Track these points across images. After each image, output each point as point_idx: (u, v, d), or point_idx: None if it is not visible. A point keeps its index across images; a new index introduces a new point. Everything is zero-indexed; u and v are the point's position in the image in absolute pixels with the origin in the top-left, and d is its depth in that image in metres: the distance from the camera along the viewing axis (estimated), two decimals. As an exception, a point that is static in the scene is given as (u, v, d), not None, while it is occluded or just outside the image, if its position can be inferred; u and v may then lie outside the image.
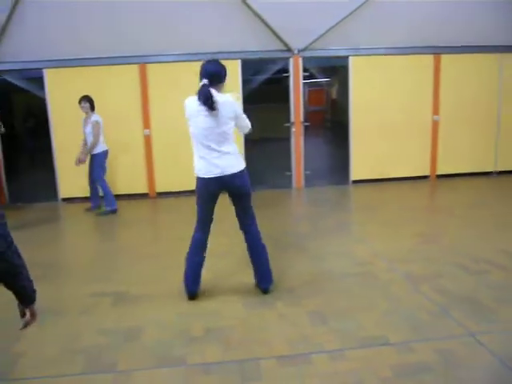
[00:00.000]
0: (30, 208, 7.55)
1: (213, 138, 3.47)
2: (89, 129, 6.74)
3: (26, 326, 1.88)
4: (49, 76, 7.70)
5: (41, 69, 7.67)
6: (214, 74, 3.48)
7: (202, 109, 3.41)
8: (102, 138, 6.77)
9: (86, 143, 6.85)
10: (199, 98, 3.42)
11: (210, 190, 3.57)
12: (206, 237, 3.75)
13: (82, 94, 6.86)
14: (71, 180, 7.78)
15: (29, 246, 5.52)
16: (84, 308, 3.66)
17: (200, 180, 3.56)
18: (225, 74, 3.57)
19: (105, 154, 6.84)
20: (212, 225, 3.75)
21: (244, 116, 3.65)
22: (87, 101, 6.74)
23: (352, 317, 3.32)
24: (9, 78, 8.02)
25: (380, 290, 3.78)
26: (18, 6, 7.10)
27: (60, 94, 7.67)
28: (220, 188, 3.58)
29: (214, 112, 3.40)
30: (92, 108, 6.76)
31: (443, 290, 3.69)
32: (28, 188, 8.55)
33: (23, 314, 1.87)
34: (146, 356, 2.91)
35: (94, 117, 6.75)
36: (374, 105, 8.16)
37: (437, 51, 8.11)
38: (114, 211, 6.86)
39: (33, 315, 1.88)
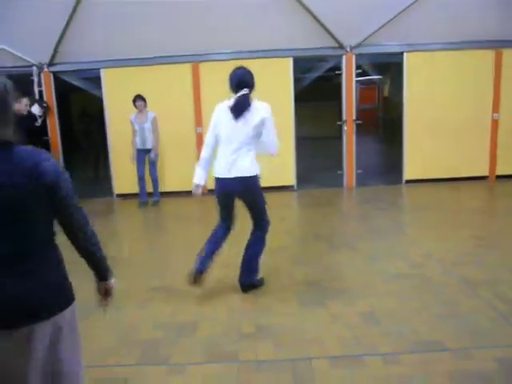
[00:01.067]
0: (86, 203, 7.87)
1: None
2: (148, 125, 7.07)
3: (105, 303, 1.95)
4: (106, 76, 8.00)
5: (98, 69, 7.98)
6: (250, 82, 3.66)
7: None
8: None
9: (140, 140, 7.17)
10: (236, 107, 3.58)
11: None
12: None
13: (136, 93, 7.12)
14: (125, 177, 8.07)
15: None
16: (141, 302, 3.78)
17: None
18: (252, 79, 3.70)
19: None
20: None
21: (272, 132, 3.67)
22: (142, 99, 7.04)
23: (405, 319, 3.24)
24: (67, 78, 8.36)
25: (434, 293, 3.67)
26: (77, 8, 7.41)
27: (116, 93, 7.95)
28: None
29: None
30: (146, 106, 7.05)
31: (502, 297, 3.53)
32: (84, 184, 8.92)
33: (103, 292, 1.93)
34: (199, 350, 2.97)
35: (152, 113, 7.08)
36: (428, 102, 7.91)
37: (498, 45, 7.75)
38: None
39: (110, 291, 1.93)
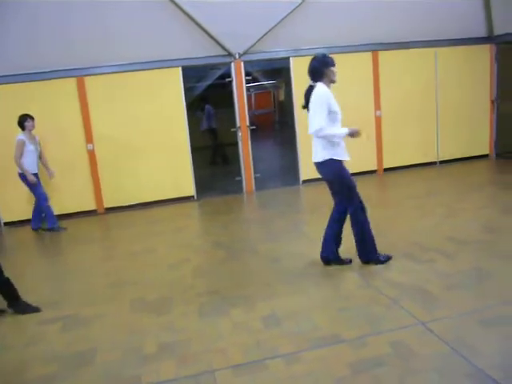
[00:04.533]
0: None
1: None
2: (38, 147, 6.78)
3: None
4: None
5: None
6: (312, 71, 4.04)
7: None
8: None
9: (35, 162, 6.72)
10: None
11: None
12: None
13: (20, 113, 6.65)
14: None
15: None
16: (31, 338, 3.47)
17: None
18: (322, 67, 3.97)
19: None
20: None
21: (314, 114, 4.02)
22: (33, 118, 6.67)
23: (306, 318, 3.32)
24: None
25: (333, 288, 3.81)
26: None
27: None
28: None
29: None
30: (22, 128, 6.60)
31: (391, 282, 3.76)
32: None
33: None
34: (98, 379, 2.79)
35: (36, 136, 6.79)
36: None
37: (374, 48, 8.34)
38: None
39: None
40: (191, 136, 8.02)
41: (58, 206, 7.59)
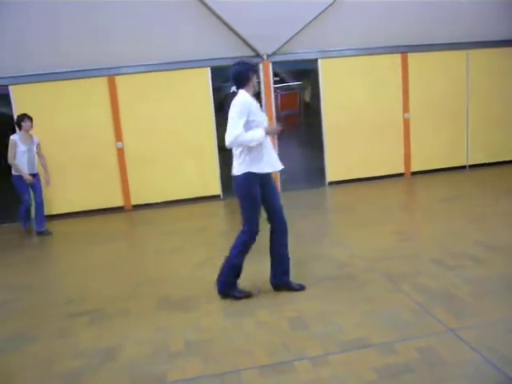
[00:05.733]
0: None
1: None
2: (35, 148, 6.70)
3: None
4: (15, 93, 7.52)
5: (6, 86, 7.50)
6: (236, 76, 3.63)
7: None
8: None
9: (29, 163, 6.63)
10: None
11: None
12: None
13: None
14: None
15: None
16: (60, 330, 3.54)
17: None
18: (248, 71, 3.63)
19: None
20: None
21: (231, 122, 3.52)
22: (31, 119, 6.62)
23: (332, 320, 3.28)
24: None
25: (359, 291, 3.76)
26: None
27: (28, 111, 7.47)
28: None
29: None
30: (19, 127, 6.59)
31: (421, 288, 3.69)
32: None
33: None
34: (125, 375, 2.82)
35: (36, 138, 6.75)
36: (344, 106, 8.23)
37: (403, 50, 8.23)
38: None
39: None
40: (218, 136, 8.07)
41: (86, 203, 7.78)
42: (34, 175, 6.68)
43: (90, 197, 7.83)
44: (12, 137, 6.47)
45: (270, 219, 3.86)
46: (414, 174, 8.63)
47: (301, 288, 3.86)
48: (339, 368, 2.70)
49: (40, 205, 6.78)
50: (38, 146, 6.76)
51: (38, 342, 3.38)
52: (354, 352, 2.86)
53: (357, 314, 3.36)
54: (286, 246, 3.85)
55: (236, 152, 3.64)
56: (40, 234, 6.79)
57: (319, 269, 4.36)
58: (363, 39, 8.06)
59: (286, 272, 3.86)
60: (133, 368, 2.90)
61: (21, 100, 7.52)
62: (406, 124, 8.47)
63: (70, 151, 7.66)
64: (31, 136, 6.68)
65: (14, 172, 6.54)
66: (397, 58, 8.26)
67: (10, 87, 7.52)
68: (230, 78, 3.66)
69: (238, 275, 3.79)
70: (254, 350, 2.97)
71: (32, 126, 6.62)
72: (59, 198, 7.74)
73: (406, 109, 8.41)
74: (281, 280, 3.85)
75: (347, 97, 8.22)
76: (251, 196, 3.68)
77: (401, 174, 8.61)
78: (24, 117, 6.55)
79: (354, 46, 8.09)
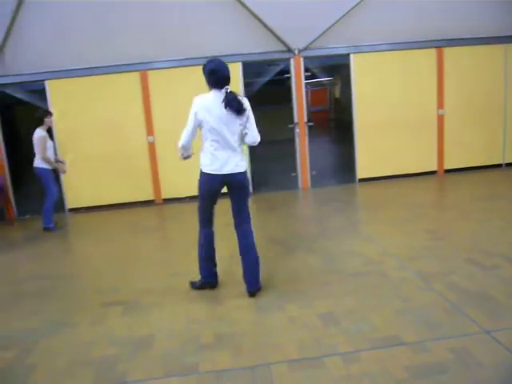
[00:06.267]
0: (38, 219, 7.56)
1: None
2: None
3: None
4: (51, 87, 7.73)
5: (42, 80, 7.70)
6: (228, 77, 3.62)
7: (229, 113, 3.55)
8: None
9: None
10: (230, 105, 3.52)
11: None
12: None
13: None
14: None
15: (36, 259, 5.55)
16: (95, 319, 3.64)
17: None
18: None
19: None
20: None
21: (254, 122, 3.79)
22: (52, 115, 6.76)
23: (364, 317, 3.26)
24: (10, 92, 8.10)
25: (391, 289, 3.72)
26: (16, 18, 7.17)
27: (63, 105, 7.70)
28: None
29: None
30: (41, 123, 6.65)
31: (455, 287, 3.62)
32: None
33: None
34: (157, 365, 2.88)
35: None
36: (376, 102, 8.12)
37: (438, 44, 8.04)
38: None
39: None
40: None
41: (118, 196, 7.94)
42: (34, 168, 6.67)
43: (121, 190, 7.98)
44: (41, 133, 6.51)
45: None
46: (447, 171, 8.45)
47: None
48: (370, 365, 2.68)
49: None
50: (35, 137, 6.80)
51: (74, 329, 3.49)
52: (386, 350, 2.83)
53: (388, 312, 3.32)
54: None
55: (239, 149, 3.71)
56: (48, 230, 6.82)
57: (350, 265, 4.33)
58: (397, 33, 7.91)
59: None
60: (165, 358, 2.95)
61: (56, 95, 7.73)
62: (440, 120, 8.29)
63: (102, 145, 7.82)
64: (36, 131, 6.67)
65: (41, 165, 6.55)
66: (432, 53, 8.07)
67: (46, 82, 7.72)
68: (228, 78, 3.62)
69: None
70: (284, 344, 2.98)
71: (52, 122, 6.82)
72: (90, 190, 7.93)
73: (440, 105, 8.23)
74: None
75: (380, 92, 8.10)
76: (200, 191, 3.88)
77: (433, 172, 8.44)
78: (47, 113, 6.67)
79: (388, 40, 7.96)
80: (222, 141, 3.61)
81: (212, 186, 3.73)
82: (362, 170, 8.33)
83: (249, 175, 8.16)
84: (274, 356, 2.85)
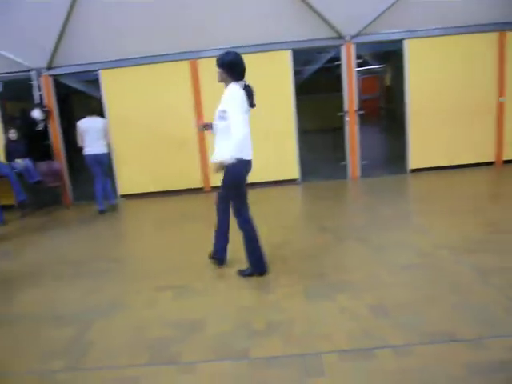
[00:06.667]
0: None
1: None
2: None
3: None
4: (104, 77, 7.96)
5: (97, 70, 7.95)
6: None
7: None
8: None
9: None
10: (252, 97, 3.76)
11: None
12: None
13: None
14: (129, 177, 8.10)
15: (90, 241, 5.76)
16: (149, 301, 3.75)
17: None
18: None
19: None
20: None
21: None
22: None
23: (416, 310, 3.18)
24: (66, 81, 8.41)
25: (446, 283, 3.60)
26: (72, 10, 7.40)
27: (116, 94, 7.94)
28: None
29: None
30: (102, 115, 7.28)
31: (516, 283, 3.47)
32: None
33: None
34: (209, 348, 2.93)
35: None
36: (431, 89, 7.83)
37: (500, 28, 7.62)
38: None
39: None
40: (298, 119, 8.03)
41: (168, 183, 8.11)
42: (100, 155, 7.11)
43: (171, 177, 8.14)
44: (103, 120, 7.11)
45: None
46: (506, 162, 8.05)
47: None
48: (424, 360, 2.62)
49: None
50: (104, 126, 7.20)
51: (129, 310, 3.62)
52: (440, 345, 2.75)
53: (442, 306, 3.22)
54: None
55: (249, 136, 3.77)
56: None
57: (401, 256, 4.23)
58: (455, 17, 7.55)
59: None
60: (217, 342, 3.00)
61: (109, 84, 7.95)
62: (501, 108, 7.88)
63: (152, 133, 8.01)
64: (96, 119, 7.11)
65: (107, 150, 7.20)
66: (493, 37, 7.65)
67: (100, 72, 7.95)
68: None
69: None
70: (334, 334, 2.96)
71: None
72: (140, 177, 8.15)
73: (501, 92, 7.82)
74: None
75: (435, 79, 7.79)
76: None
77: (491, 163, 8.07)
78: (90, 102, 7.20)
79: (445, 24, 7.62)
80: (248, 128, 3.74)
81: (247, 171, 3.85)
82: (415, 160, 8.08)
83: (296, 163, 8.13)
84: (324, 345, 2.84)
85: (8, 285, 4.46)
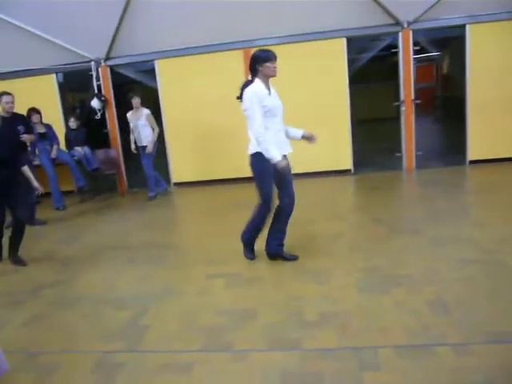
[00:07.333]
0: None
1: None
2: (142, 122, 7.30)
3: None
4: (160, 67, 8.12)
5: (152, 60, 8.11)
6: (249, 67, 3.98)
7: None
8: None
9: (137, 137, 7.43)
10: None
11: None
12: None
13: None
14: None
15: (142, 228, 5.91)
16: (201, 288, 3.81)
17: None
18: (253, 63, 3.93)
19: None
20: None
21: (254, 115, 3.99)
22: (139, 97, 7.34)
23: (477, 308, 3.05)
24: (123, 71, 8.64)
25: (509, 280, 3.43)
26: (130, 1, 7.56)
27: (171, 84, 8.08)
28: None
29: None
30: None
31: None
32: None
33: None
34: (261, 338, 2.94)
35: (146, 110, 7.36)
36: (496, 76, 7.42)
37: None
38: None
39: None
40: (352, 108, 7.87)
41: (219, 172, 8.19)
42: (143, 147, 7.36)
43: (222, 166, 8.20)
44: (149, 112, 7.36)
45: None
46: None
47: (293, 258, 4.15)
48: (486, 360, 2.50)
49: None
50: (148, 117, 7.32)
51: (183, 297, 3.69)
52: (504, 345, 2.63)
53: (506, 305, 3.07)
54: None
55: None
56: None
57: (460, 251, 4.07)
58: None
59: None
60: (269, 331, 3.01)
61: (164, 73, 8.10)
62: None
63: (206, 122, 8.09)
64: (139, 112, 7.30)
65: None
66: None
67: (156, 61, 8.11)
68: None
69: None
70: (390, 328, 2.89)
71: (140, 103, 7.34)
72: (193, 165, 8.29)
73: None
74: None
75: (500, 66, 7.37)
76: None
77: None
78: (133, 95, 7.30)
79: (510, 8, 7.18)
80: None
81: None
82: (474, 151, 7.73)
83: (349, 153, 7.98)
84: (380, 340, 2.78)
85: (70, 267, 4.67)
